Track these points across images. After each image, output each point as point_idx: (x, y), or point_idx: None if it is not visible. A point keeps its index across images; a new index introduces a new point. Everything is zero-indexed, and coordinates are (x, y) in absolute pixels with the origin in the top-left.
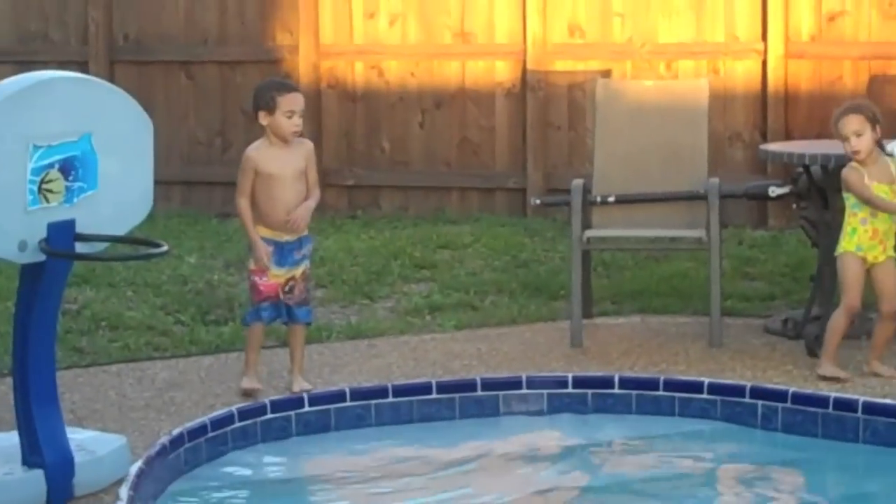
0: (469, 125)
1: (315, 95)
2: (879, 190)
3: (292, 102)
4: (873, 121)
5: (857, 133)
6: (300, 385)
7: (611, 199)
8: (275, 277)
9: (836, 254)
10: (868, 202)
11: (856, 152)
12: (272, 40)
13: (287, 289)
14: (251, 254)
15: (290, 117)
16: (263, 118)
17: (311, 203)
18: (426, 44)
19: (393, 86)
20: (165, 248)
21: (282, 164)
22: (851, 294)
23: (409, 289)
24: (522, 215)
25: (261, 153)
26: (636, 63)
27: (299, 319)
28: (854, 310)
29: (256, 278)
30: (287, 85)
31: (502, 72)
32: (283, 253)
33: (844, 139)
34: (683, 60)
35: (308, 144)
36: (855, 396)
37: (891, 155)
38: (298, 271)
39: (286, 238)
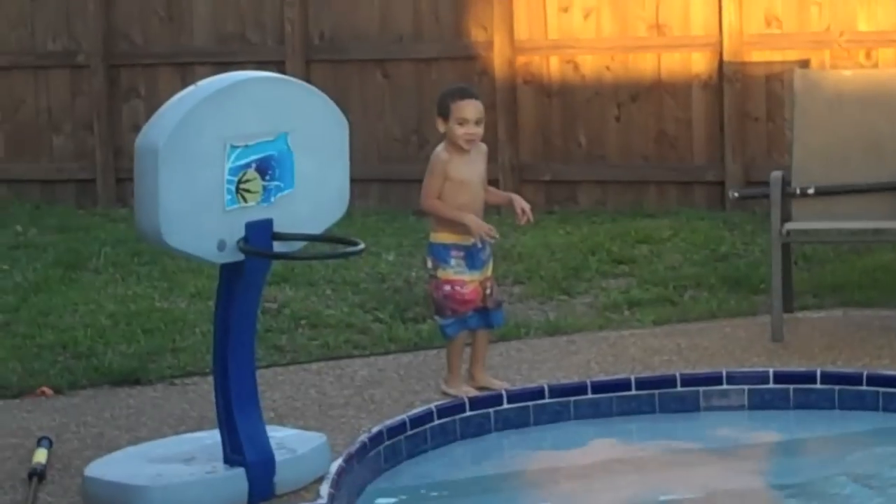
0: (666, 118)
1: (511, 91)
2: None
3: (463, 110)
4: None
5: None
6: (492, 381)
7: (811, 190)
8: (472, 283)
9: None
10: None
11: None
12: (467, 37)
13: (488, 291)
14: (442, 255)
15: (461, 124)
16: (440, 125)
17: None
18: (621, 37)
19: (588, 80)
20: (363, 246)
21: (470, 169)
22: None
23: (608, 284)
24: (721, 208)
25: (452, 158)
26: (835, 52)
27: (496, 324)
28: None
29: (457, 287)
30: (464, 91)
31: (698, 64)
32: (472, 256)
33: None
34: (884, 49)
35: (484, 148)
36: None
37: None
38: (489, 271)
39: (472, 241)
